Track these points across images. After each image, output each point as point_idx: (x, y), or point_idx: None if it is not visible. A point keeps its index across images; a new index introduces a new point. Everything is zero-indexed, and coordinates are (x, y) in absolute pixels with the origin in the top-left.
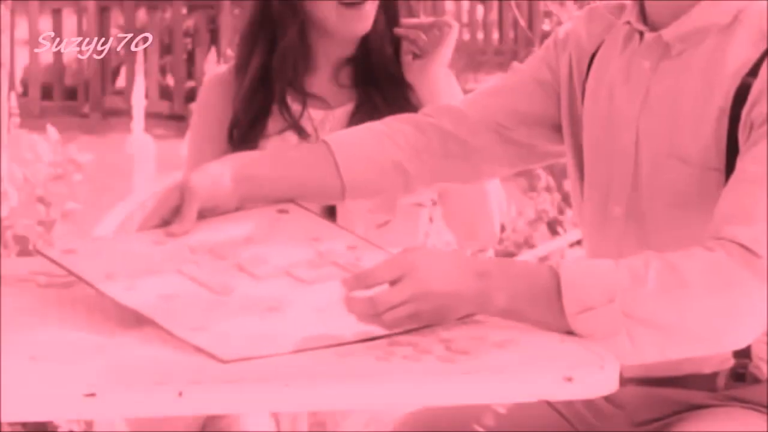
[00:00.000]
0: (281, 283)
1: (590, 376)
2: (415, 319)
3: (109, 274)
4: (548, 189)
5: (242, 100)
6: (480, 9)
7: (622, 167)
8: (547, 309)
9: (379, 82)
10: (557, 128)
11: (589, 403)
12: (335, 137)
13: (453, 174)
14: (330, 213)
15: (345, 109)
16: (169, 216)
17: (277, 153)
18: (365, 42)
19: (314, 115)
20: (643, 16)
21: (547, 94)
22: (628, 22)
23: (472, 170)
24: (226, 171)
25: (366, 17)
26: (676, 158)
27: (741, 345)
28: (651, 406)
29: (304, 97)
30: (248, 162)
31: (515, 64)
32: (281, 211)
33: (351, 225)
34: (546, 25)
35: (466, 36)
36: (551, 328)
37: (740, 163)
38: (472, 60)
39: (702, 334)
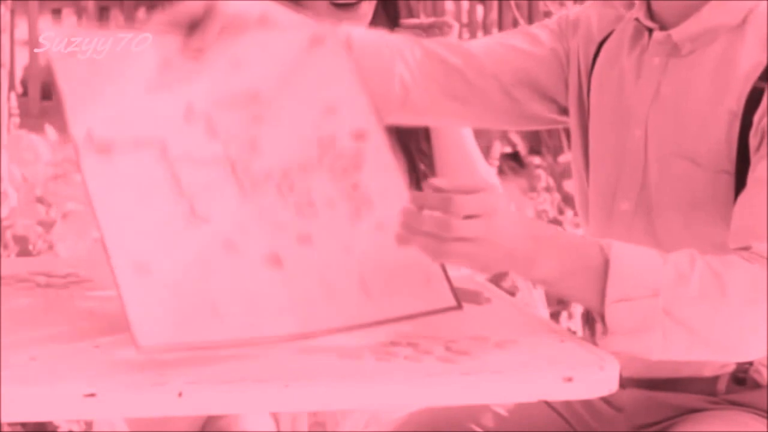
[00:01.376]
0: (265, 204)
1: (590, 377)
2: (466, 260)
3: (90, 128)
4: (548, 189)
5: None
6: (480, 9)
7: (632, 163)
8: (588, 288)
9: None
10: (555, 101)
11: (588, 406)
12: (354, 28)
13: (448, 110)
14: None
15: None
16: (185, 22)
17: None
18: None
19: None
20: (650, 13)
21: (558, 66)
22: (637, 19)
23: (468, 113)
24: None
25: (361, 18)
26: (684, 158)
27: (761, 356)
28: (650, 409)
29: None
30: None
31: (526, 27)
32: (316, 41)
33: None
34: None
35: (466, 36)
36: (585, 306)
37: (756, 172)
38: None
39: (730, 343)
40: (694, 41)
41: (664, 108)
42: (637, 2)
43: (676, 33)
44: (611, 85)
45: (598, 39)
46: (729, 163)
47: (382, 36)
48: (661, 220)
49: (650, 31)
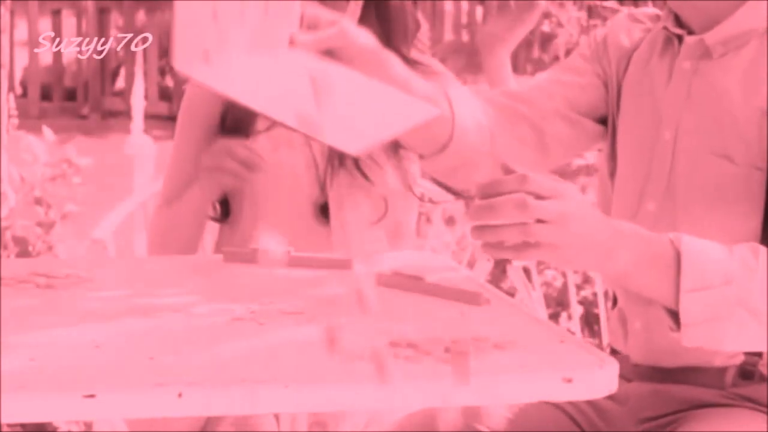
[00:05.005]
0: None
1: (589, 377)
2: (548, 250)
3: None
4: None
5: None
6: (479, 10)
7: (659, 164)
8: (662, 280)
9: None
10: (599, 121)
11: (591, 402)
12: (453, 89)
13: (521, 155)
14: (322, 211)
15: None
16: None
17: None
18: None
19: None
20: (677, 20)
21: (601, 86)
22: (665, 28)
23: (539, 155)
24: None
25: (348, 16)
26: (718, 155)
27: None
28: (656, 403)
29: None
30: None
31: (562, 62)
32: None
33: (346, 223)
34: (545, 26)
35: (466, 37)
36: (657, 300)
37: None
38: (472, 61)
39: None
40: (725, 45)
41: (696, 109)
42: (663, 12)
43: (709, 37)
44: (641, 91)
45: (630, 51)
46: (761, 159)
47: (468, 92)
48: (686, 219)
49: (679, 37)
